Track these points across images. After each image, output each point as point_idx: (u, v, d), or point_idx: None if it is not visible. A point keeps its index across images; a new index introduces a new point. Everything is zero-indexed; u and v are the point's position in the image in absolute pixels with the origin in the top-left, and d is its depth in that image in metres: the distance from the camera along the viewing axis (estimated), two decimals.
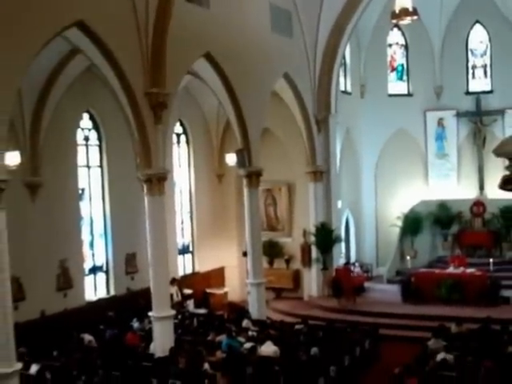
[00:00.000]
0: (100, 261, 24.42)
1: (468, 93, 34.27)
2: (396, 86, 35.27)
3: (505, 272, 28.21)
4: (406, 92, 35.22)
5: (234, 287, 29.53)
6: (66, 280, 22.23)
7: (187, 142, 29.10)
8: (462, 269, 26.68)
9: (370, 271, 32.63)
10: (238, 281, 29.51)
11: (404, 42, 35.22)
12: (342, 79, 31.79)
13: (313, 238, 28.50)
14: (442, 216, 32.76)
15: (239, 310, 23.77)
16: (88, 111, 23.70)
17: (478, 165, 33.36)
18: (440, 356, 16.08)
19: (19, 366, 14.36)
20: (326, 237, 28.27)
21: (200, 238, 29.27)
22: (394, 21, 25.29)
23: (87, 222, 23.95)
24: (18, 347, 14.72)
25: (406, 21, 24.77)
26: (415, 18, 24.67)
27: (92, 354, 18.05)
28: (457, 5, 33.42)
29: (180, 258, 28.13)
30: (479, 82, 34.53)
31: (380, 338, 21.69)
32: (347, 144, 32.58)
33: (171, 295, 21.86)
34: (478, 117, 33.33)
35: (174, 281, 24.11)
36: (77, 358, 17.46)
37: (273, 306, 27.35)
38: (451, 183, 34.10)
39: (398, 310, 25.41)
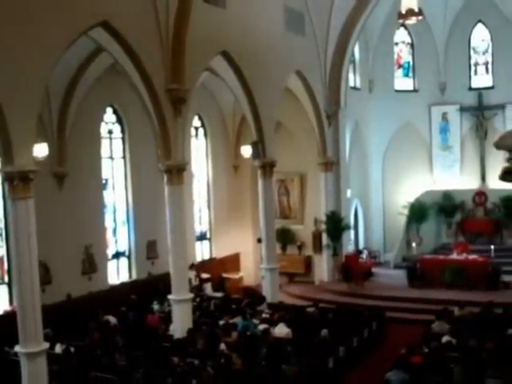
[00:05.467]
0: (123, 247, 24.44)
1: (470, 88, 33.99)
2: (402, 82, 35.02)
3: (505, 258, 27.94)
4: (411, 88, 34.99)
5: (248, 272, 29.48)
6: (91, 265, 22.27)
7: (205, 134, 29.01)
8: (464, 255, 26.58)
9: (378, 257, 32.59)
10: (253, 266, 29.45)
11: (410, 41, 34.95)
12: (351, 75, 31.62)
13: (323, 226, 28.40)
14: (446, 205, 32.62)
15: (258, 296, 23.70)
16: (112, 106, 23.70)
17: (480, 157, 33.16)
18: (442, 339, 16.07)
19: (46, 345, 14.44)
20: (336, 224, 28.17)
21: (217, 226, 29.22)
22: (401, 21, 25.13)
23: (110, 210, 23.96)
24: (45, 328, 14.78)
25: (412, 21, 24.61)
26: (420, 18, 24.54)
27: (114, 334, 18.09)
28: (460, 5, 33.21)
29: (198, 244, 28.10)
30: (481, 79, 34.21)
31: (387, 321, 21.61)
32: (356, 137, 32.46)
33: (190, 279, 21.84)
34: (480, 111, 33.13)
35: (192, 266, 24.13)
36: (100, 338, 17.53)
37: (285, 290, 27.30)
38: (454, 174, 33.90)
39: (403, 293, 25.32)
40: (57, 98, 20.57)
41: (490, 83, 33.86)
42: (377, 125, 33.78)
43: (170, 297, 19.45)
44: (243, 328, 18.24)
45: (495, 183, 31.07)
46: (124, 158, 24.43)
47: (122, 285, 23.69)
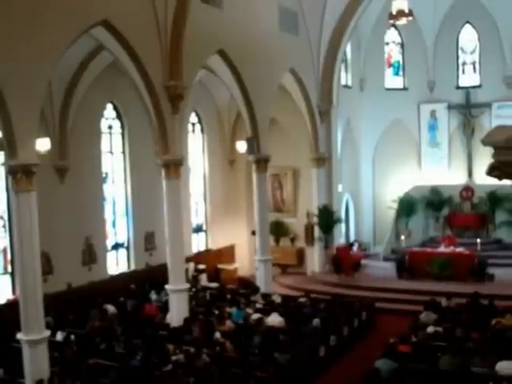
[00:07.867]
0: (122, 238, 24.41)
1: (458, 87, 34.06)
2: (392, 81, 35.05)
3: (491, 251, 28.17)
4: (401, 86, 35.01)
5: (243, 263, 29.45)
6: (91, 255, 22.27)
7: (202, 130, 28.97)
8: (451, 248, 26.59)
9: (368, 249, 32.58)
10: (247, 257, 29.41)
11: (400, 41, 34.96)
12: (343, 74, 31.61)
13: (315, 219, 28.44)
14: (434, 200, 32.66)
15: (252, 286, 23.72)
16: (112, 102, 23.62)
17: (467, 153, 33.21)
18: (430, 328, 16.12)
19: (47, 333, 14.50)
20: (327, 218, 28.21)
21: (212, 218, 29.20)
22: (391, 21, 25.15)
23: (110, 202, 23.92)
24: (46, 317, 14.84)
25: (402, 21, 24.62)
26: (410, 18, 24.54)
27: (113, 322, 18.09)
28: (449, 6, 33.21)
29: (194, 236, 28.11)
30: (468, 78, 34.27)
31: (376, 311, 21.68)
32: (347, 133, 32.46)
33: (186, 269, 21.85)
34: (468, 109, 33.20)
35: (190, 259, 24.27)
36: (99, 326, 17.53)
37: (279, 281, 27.29)
38: (442, 170, 33.95)
39: (392, 285, 25.29)
40: (59, 95, 20.55)
41: (477, 82, 33.93)
42: (367, 122, 33.79)
43: (167, 287, 19.49)
44: (238, 317, 18.31)
45: (482, 179, 31.07)
46: (123, 152, 24.39)
47: (121, 275, 23.64)
